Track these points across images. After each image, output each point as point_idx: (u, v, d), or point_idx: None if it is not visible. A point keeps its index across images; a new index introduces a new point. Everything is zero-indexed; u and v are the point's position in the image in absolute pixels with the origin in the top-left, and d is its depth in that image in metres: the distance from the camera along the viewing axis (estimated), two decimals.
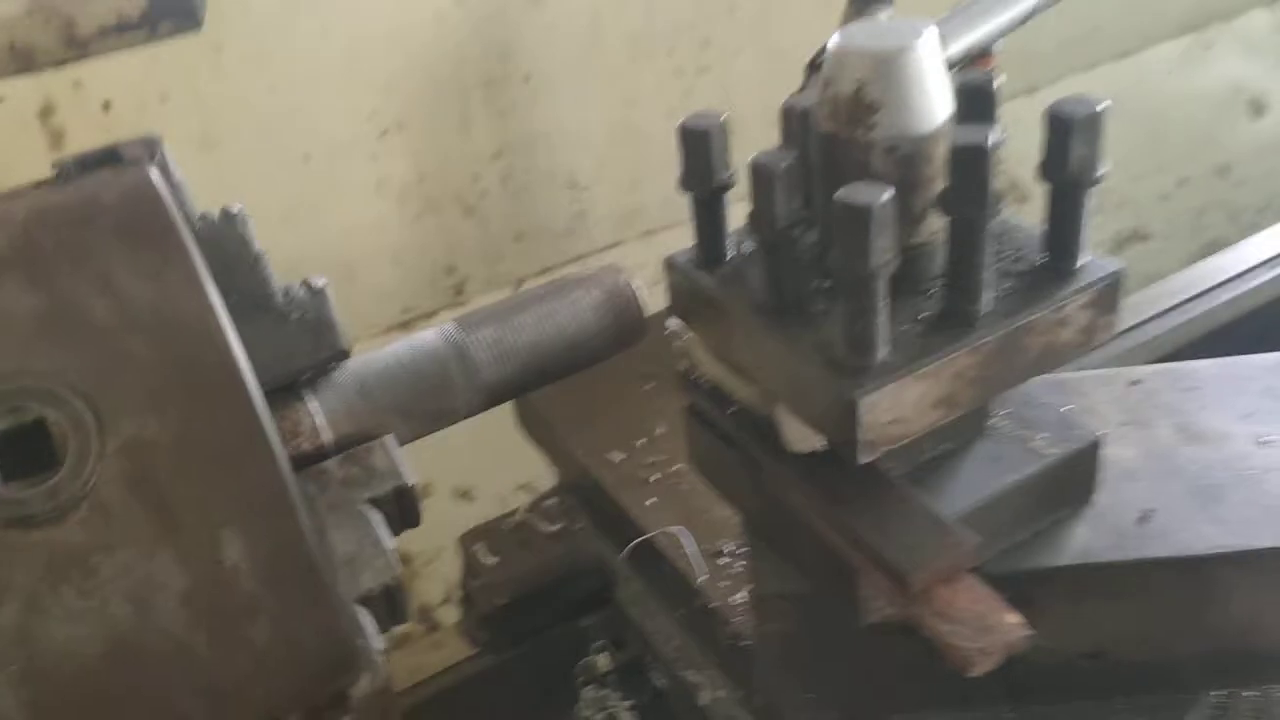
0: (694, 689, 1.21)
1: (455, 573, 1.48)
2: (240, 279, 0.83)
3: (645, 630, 1.29)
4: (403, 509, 0.84)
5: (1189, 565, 0.90)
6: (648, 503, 1.33)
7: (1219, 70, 2.77)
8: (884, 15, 1.16)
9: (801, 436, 0.87)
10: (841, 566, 0.86)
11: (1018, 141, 2.45)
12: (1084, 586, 0.92)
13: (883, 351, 0.78)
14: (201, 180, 1.74)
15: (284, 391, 0.85)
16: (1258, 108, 2.87)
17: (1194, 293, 1.76)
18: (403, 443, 0.90)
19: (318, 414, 0.86)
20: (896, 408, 0.78)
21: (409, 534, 2.07)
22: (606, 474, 1.37)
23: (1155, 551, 0.91)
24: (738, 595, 1.20)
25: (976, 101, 0.86)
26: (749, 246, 0.88)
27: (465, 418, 0.92)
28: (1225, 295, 1.73)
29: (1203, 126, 2.79)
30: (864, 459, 0.78)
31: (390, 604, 0.80)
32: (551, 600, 1.38)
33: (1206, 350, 1.73)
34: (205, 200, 1.75)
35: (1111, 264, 0.84)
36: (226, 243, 0.83)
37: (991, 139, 0.75)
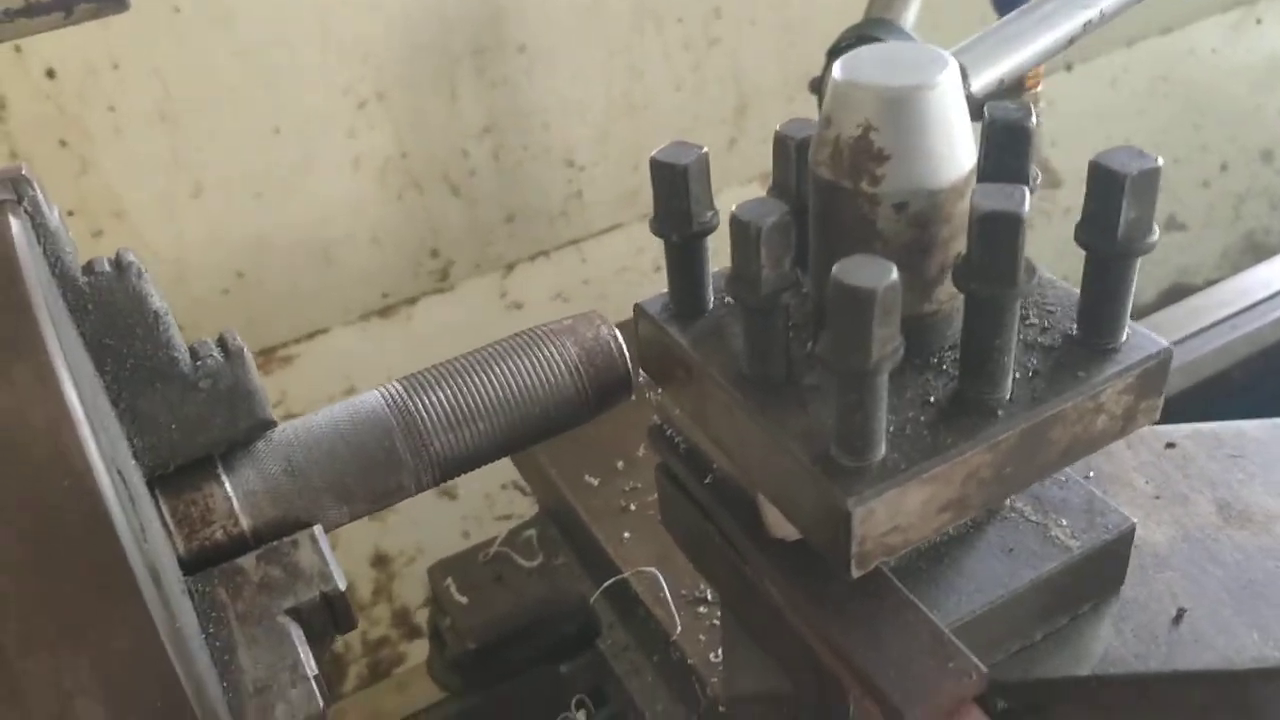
0: None
1: None
2: (137, 343, 0.71)
3: (629, 688, 1.18)
4: (334, 615, 0.72)
5: (1226, 679, 0.78)
6: (625, 536, 1.23)
7: (1269, 46, 2.59)
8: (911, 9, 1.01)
9: (785, 523, 0.75)
10: (828, 674, 0.75)
11: (1053, 121, 2.28)
12: (1106, 697, 0.80)
13: (882, 449, 0.65)
14: (159, 156, 1.63)
15: (195, 468, 0.74)
16: None
17: (1238, 308, 1.62)
18: (336, 526, 0.78)
19: (234, 496, 0.74)
20: (897, 515, 0.66)
21: (387, 533, 1.96)
22: (582, 501, 1.26)
23: (1188, 662, 0.79)
24: (716, 652, 1.10)
25: (1008, 143, 0.73)
26: (731, 301, 0.76)
27: (414, 494, 0.80)
28: (1275, 312, 1.59)
29: (1248, 107, 2.62)
30: (857, 573, 0.66)
31: None
32: (527, 645, 1.27)
33: (1251, 373, 1.60)
34: (162, 179, 1.63)
35: (1157, 341, 0.72)
36: (119, 301, 0.70)
37: (1026, 205, 0.61)
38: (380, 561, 1.98)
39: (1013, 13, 0.73)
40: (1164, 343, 0.72)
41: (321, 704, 0.66)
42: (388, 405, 0.79)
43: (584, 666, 1.28)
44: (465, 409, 0.80)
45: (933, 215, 0.68)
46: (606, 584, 1.17)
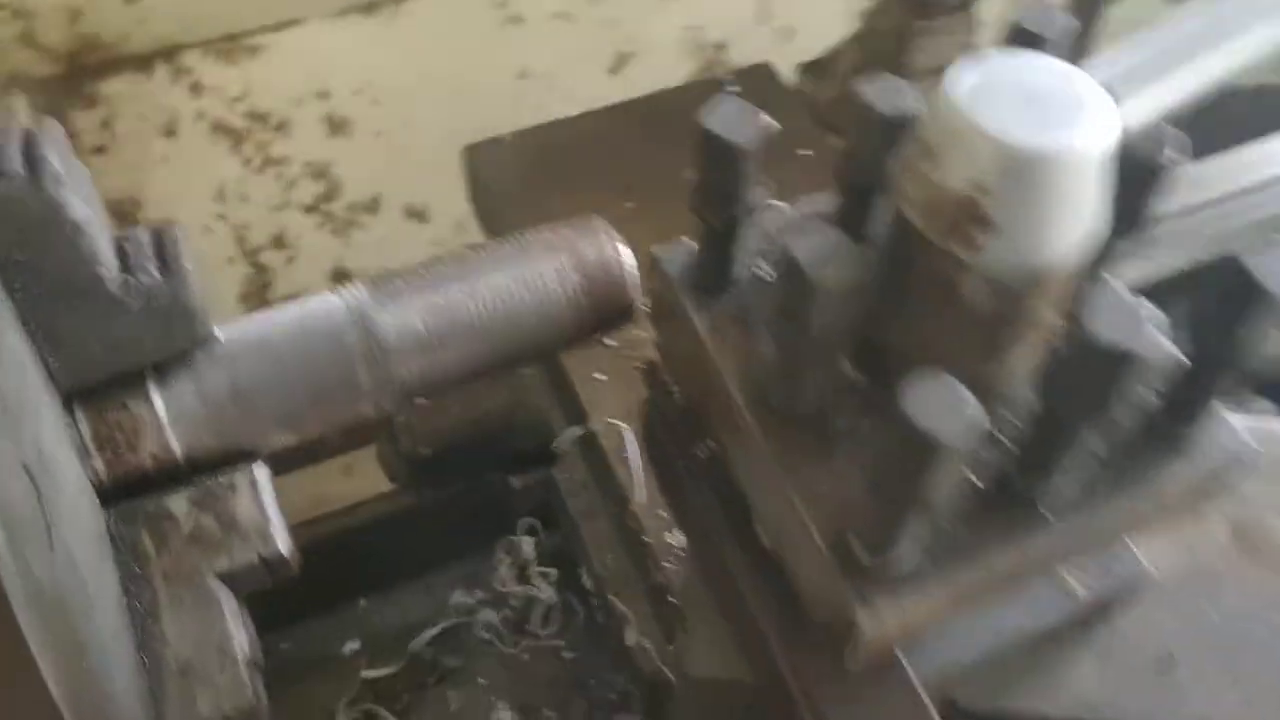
0: (621, 620, 1.08)
1: None
2: (54, 258, 0.59)
3: (580, 529, 1.15)
4: (273, 579, 0.65)
5: None
6: (597, 375, 1.14)
7: None
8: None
9: None
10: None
11: None
12: None
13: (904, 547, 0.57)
14: None
15: (122, 382, 0.64)
16: None
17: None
18: (279, 449, 0.69)
19: (166, 418, 0.65)
20: (908, 616, 0.59)
21: (350, 250, 1.85)
22: None
23: (1164, 717, 0.76)
24: (674, 531, 1.05)
25: (1133, 183, 0.59)
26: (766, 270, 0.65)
27: (373, 420, 0.71)
28: None
29: None
30: (852, 667, 0.60)
31: None
32: (483, 454, 1.22)
33: None
34: None
35: (1242, 440, 0.62)
36: (33, 211, 0.57)
37: (1162, 347, 0.50)
38: (340, 278, 1.88)
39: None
40: (1250, 443, 0.62)
41: (252, 696, 0.61)
42: (350, 318, 0.68)
43: (537, 483, 1.25)
44: (438, 327, 0.70)
45: (1029, 289, 0.56)
46: (569, 430, 1.11)
